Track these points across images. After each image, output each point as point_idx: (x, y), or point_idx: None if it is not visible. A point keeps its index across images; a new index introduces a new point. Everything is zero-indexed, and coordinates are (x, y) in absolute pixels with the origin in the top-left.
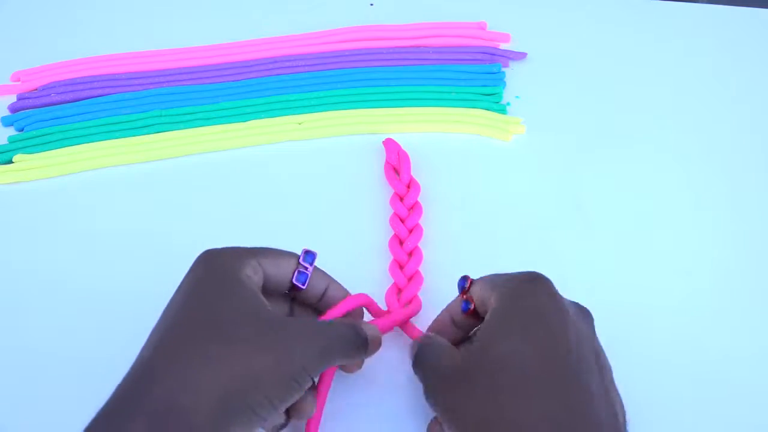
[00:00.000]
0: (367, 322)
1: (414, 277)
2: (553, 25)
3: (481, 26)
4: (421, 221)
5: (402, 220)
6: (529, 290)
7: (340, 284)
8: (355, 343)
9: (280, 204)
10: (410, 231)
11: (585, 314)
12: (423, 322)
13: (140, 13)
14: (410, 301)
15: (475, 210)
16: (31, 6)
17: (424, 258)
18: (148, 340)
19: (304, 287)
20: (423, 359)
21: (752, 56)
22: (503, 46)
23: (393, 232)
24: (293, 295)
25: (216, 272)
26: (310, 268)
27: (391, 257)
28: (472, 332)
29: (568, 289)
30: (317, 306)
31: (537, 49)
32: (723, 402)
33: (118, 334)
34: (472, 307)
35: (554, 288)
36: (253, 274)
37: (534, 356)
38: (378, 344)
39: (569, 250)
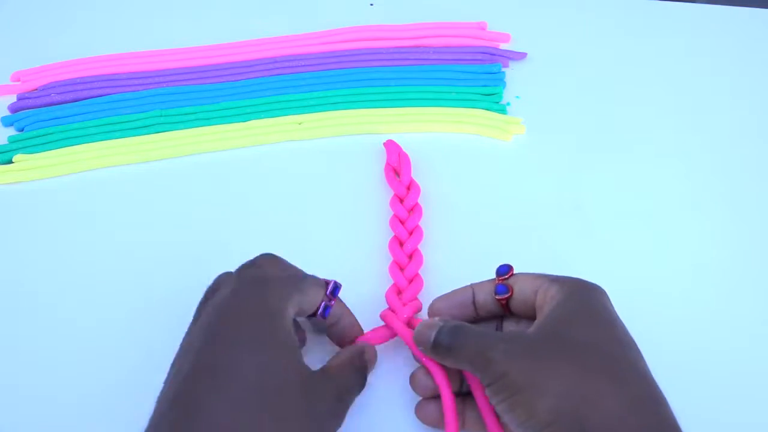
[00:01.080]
0: (364, 344)
1: (414, 280)
2: (553, 25)
3: (481, 26)
4: (422, 222)
5: (402, 222)
6: (596, 294)
7: (353, 316)
8: (357, 379)
9: (280, 204)
10: (410, 233)
11: None
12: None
13: (140, 13)
14: (411, 302)
15: (475, 210)
16: (31, 6)
17: (425, 258)
18: (187, 353)
19: (325, 319)
20: (474, 336)
21: (752, 56)
22: (503, 46)
23: (393, 234)
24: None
25: (263, 312)
26: (334, 301)
27: (391, 258)
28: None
29: None
30: (327, 330)
31: (537, 49)
32: (723, 400)
33: (119, 334)
34: (510, 293)
35: (610, 301)
36: (293, 311)
37: (617, 347)
38: (373, 363)
39: (569, 250)
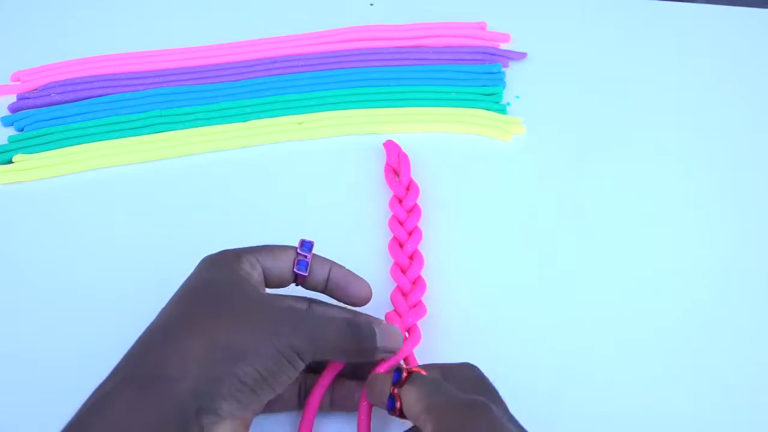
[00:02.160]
0: (381, 320)
1: (417, 282)
2: (553, 25)
3: (481, 26)
4: (421, 222)
5: (401, 223)
6: (470, 424)
7: (342, 266)
8: (352, 336)
9: (279, 204)
10: (409, 234)
11: (490, 389)
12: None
13: (140, 13)
14: (416, 305)
15: (474, 210)
16: (31, 6)
17: (425, 260)
18: (146, 328)
19: (306, 274)
20: None
21: (752, 56)
22: (503, 46)
23: (392, 235)
24: (299, 285)
25: (214, 269)
26: (309, 256)
27: (392, 260)
28: None
29: (568, 289)
30: (325, 292)
31: (537, 49)
32: (721, 403)
33: (118, 334)
34: (398, 406)
35: (495, 418)
36: (250, 269)
37: None
38: (394, 343)
39: (569, 251)
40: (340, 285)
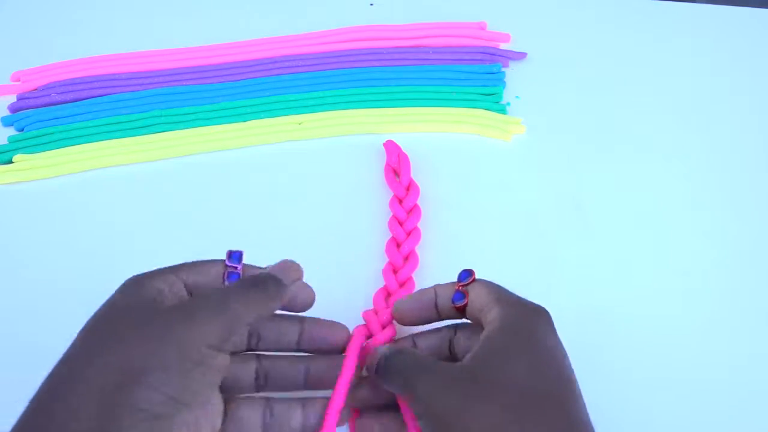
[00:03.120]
0: (281, 267)
1: (406, 284)
2: (553, 25)
3: (481, 26)
4: (421, 222)
5: (400, 223)
6: (535, 321)
7: (314, 318)
8: (260, 288)
9: (279, 204)
10: (408, 234)
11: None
12: None
13: (140, 13)
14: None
15: (474, 210)
16: (31, 6)
17: (422, 260)
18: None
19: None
20: (405, 366)
21: (752, 56)
22: (503, 46)
23: (391, 235)
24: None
25: (122, 294)
26: (240, 266)
27: (387, 260)
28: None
29: (568, 289)
30: (299, 347)
31: (537, 49)
32: (722, 403)
33: None
34: (465, 302)
35: (554, 326)
36: (167, 287)
37: (539, 382)
38: (293, 270)
39: (569, 251)
40: (316, 338)
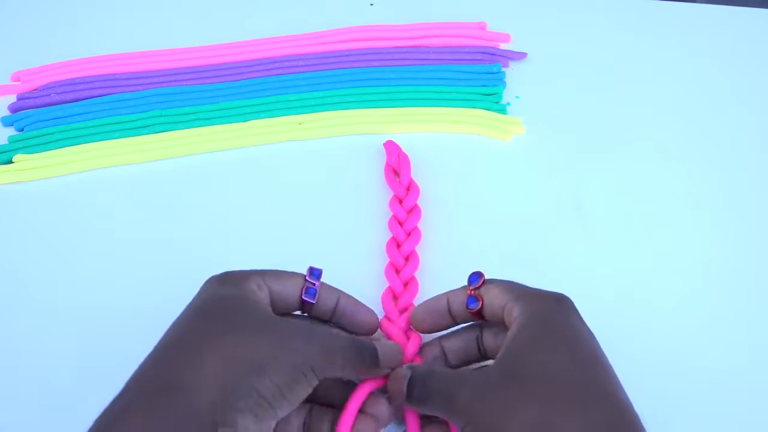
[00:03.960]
0: (384, 341)
1: (410, 283)
2: (553, 25)
3: (481, 26)
4: (421, 222)
5: (401, 223)
6: (559, 309)
7: (350, 295)
8: (359, 353)
9: (279, 204)
10: (408, 234)
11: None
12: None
13: (140, 13)
14: (406, 309)
15: (474, 210)
16: (31, 6)
17: (422, 260)
18: (157, 344)
19: (313, 302)
20: (444, 386)
21: (752, 56)
22: (503, 46)
23: (391, 235)
24: (306, 312)
25: (222, 287)
26: (318, 284)
27: (388, 260)
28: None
29: (568, 289)
30: (332, 321)
31: (537, 49)
32: (723, 402)
33: (118, 334)
34: (479, 305)
35: (578, 310)
36: (257, 289)
37: (577, 370)
38: (394, 358)
39: (569, 250)
40: (347, 314)
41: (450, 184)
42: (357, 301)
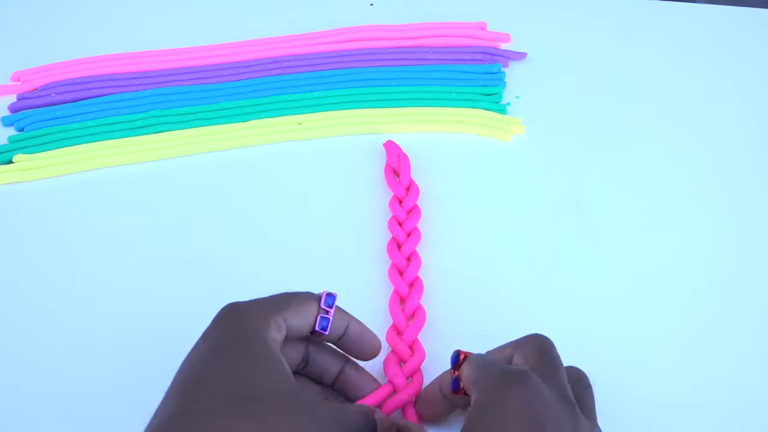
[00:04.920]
0: (376, 408)
1: (415, 284)
2: (553, 25)
3: (481, 26)
4: (421, 222)
5: (400, 224)
6: (515, 391)
7: (359, 321)
8: (366, 429)
9: (279, 204)
10: (408, 235)
11: (569, 411)
12: (428, 335)
13: (140, 12)
14: (414, 314)
15: (474, 210)
16: (31, 6)
17: (424, 261)
18: (168, 399)
19: (326, 333)
20: None
21: (752, 56)
22: (503, 46)
23: (391, 235)
24: (311, 337)
25: (242, 335)
26: (332, 312)
27: (390, 261)
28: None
29: (569, 289)
30: (338, 344)
31: (537, 49)
32: (723, 403)
33: (118, 334)
34: (462, 386)
35: (542, 390)
36: (277, 333)
37: None
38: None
39: (569, 251)
40: (354, 341)
41: (450, 184)
42: (364, 327)
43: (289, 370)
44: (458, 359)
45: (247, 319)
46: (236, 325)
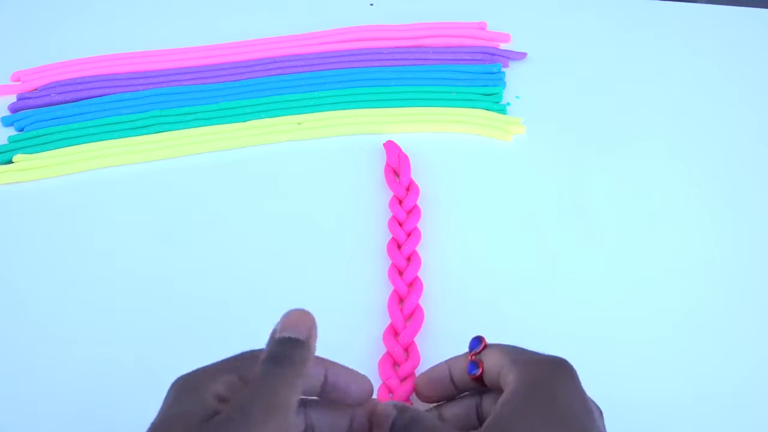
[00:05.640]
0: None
1: (414, 284)
2: (553, 25)
3: (481, 26)
4: (421, 222)
5: (400, 224)
6: (555, 377)
7: (338, 365)
8: (291, 367)
9: (279, 204)
10: (408, 235)
11: (599, 412)
12: (426, 335)
13: (140, 12)
14: (412, 314)
15: (474, 210)
16: (31, 6)
17: (424, 261)
18: None
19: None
20: None
21: (752, 56)
22: (503, 46)
23: (391, 236)
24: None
25: (185, 402)
26: None
27: (389, 261)
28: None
29: (569, 289)
30: (321, 395)
31: (537, 49)
32: (723, 404)
33: (118, 333)
34: (479, 371)
35: (578, 378)
36: (226, 391)
37: None
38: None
39: (569, 251)
40: (339, 387)
41: (450, 184)
42: (347, 369)
43: None
44: (479, 346)
45: (190, 385)
46: (179, 397)
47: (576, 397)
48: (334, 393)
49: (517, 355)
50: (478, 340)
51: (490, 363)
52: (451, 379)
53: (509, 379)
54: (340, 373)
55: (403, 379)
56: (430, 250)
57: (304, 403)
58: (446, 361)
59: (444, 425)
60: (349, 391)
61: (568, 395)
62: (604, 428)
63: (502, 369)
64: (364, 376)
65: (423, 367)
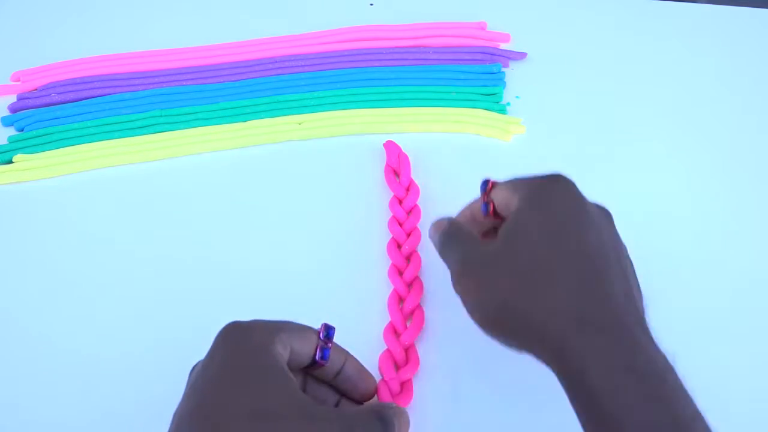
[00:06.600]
0: (391, 404)
1: (414, 284)
2: (553, 25)
3: (481, 26)
4: (421, 223)
5: (400, 224)
6: (551, 190)
7: (355, 359)
8: (382, 427)
9: (279, 204)
10: (408, 234)
11: (606, 214)
12: (426, 335)
13: (140, 13)
14: (412, 313)
15: None
16: (31, 6)
17: (424, 261)
18: (181, 425)
19: (326, 363)
20: (449, 246)
21: (752, 56)
22: (503, 46)
23: (391, 236)
24: (309, 370)
25: (250, 352)
26: (331, 344)
27: (389, 261)
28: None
29: None
30: (332, 382)
31: (537, 49)
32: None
33: (117, 333)
34: (491, 208)
35: (576, 188)
36: (282, 350)
37: (554, 253)
38: (405, 423)
39: None
40: (351, 379)
41: (450, 184)
42: (361, 366)
43: (296, 384)
44: (487, 186)
45: (252, 336)
46: (243, 343)
47: (572, 204)
48: (344, 384)
49: (520, 182)
50: (485, 182)
51: (499, 198)
52: (474, 220)
53: (514, 202)
54: (355, 368)
55: (402, 383)
56: (430, 250)
57: (304, 372)
58: (468, 206)
59: (464, 232)
60: (357, 387)
61: (564, 203)
62: (614, 229)
63: (509, 198)
64: (372, 378)
65: (423, 369)
